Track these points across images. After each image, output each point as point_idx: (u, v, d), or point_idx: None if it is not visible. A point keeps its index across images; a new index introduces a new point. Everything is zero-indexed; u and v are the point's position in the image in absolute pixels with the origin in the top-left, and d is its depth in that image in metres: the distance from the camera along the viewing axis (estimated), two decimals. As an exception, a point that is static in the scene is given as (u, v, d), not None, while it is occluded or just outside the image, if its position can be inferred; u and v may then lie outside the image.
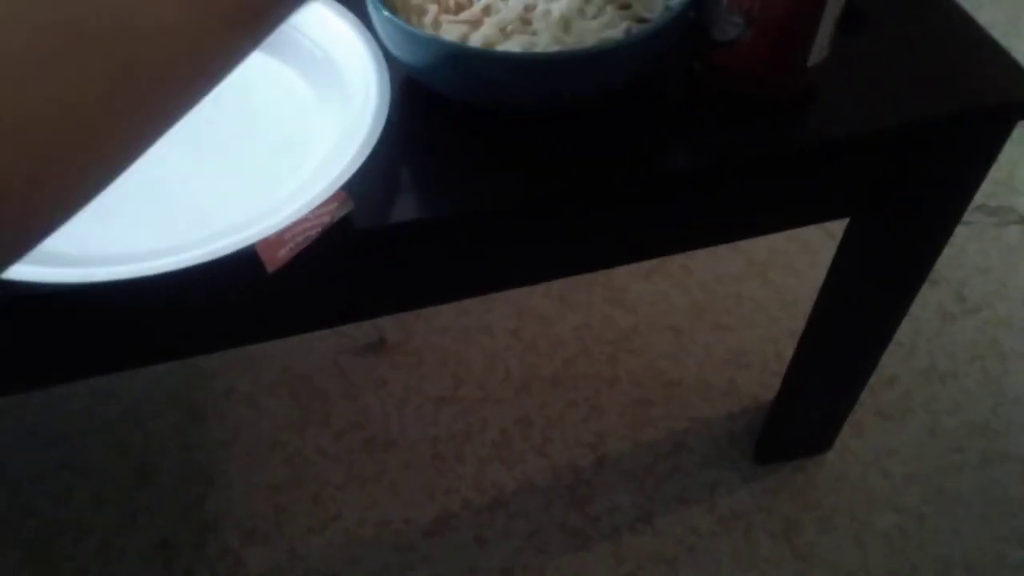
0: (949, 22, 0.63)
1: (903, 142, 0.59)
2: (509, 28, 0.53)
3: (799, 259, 1.21)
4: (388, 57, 0.56)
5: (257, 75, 0.59)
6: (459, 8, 0.54)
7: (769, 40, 0.54)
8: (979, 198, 1.28)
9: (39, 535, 0.96)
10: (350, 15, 0.58)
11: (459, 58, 0.51)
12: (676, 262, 1.21)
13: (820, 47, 0.56)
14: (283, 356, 1.10)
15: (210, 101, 0.60)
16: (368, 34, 0.57)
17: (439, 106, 0.57)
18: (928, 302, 1.17)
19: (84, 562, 0.94)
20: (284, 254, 0.50)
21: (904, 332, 1.15)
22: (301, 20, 0.59)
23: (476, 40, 0.52)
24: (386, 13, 0.52)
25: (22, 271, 0.46)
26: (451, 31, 0.53)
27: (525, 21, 0.53)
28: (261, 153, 0.55)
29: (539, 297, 1.17)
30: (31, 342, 0.53)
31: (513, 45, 0.52)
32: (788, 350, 0.92)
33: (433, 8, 0.55)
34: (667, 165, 0.56)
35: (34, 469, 1.01)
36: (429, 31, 0.53)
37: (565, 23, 0.52)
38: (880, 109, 0.58)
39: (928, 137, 0.59)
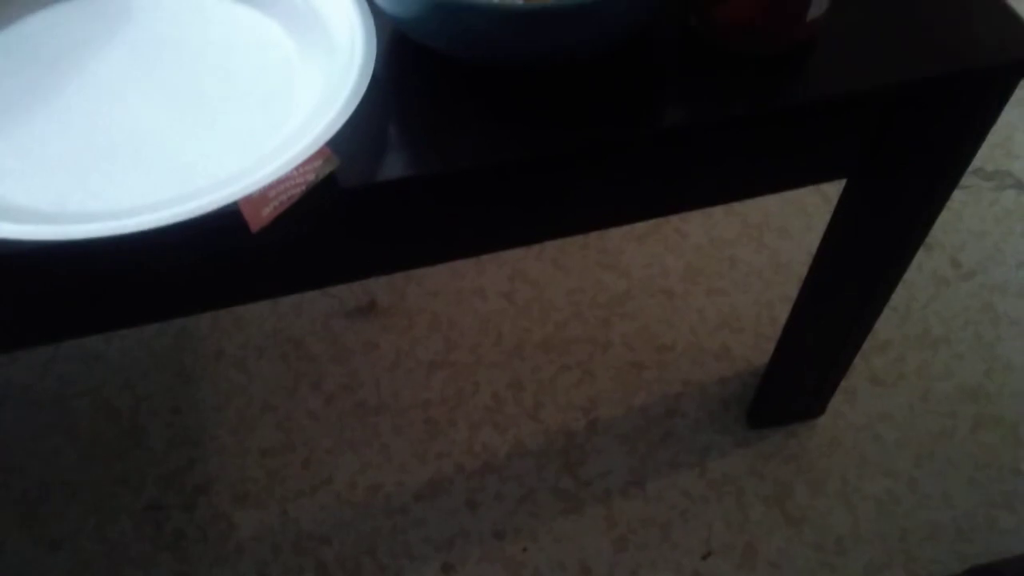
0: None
1: (902, 100, 0.58)
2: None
3: (794, 223, 1.20)
4: (375, 9, 0.54)
5: (239, 28, 0.57)
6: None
7: (767, -7, 0.52)
8: (976, 162, 1.27)
9: (29, 496, 0.95)
10: (336, -35, 0.56)
11: (447, 10, 0.50)
12: (670, 225, 1.20)
13: (819, 0, 0.54)
14: (273, 319, 1.10)
15: (191, 55, 0.59)
16: (354, -15, 0.55)
17: (428, 60, 0.56)
18: (923, 267, 1.16)
19: (74, 523, 0.94)
20: (268, 212, 0.49)
21: (898, 297, 1.15)
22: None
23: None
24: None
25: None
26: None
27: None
28: (243, 108, 0.54)
29: (532, 260, 1.16)
30: (6, 301, 0.52)
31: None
32: (782, 314, 0.92)
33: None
34: (661, 122, 0.55)
35: (23, 431, 1.00)
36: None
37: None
38: (879, 66, 0.57)
39: (928, 96, 0.58)
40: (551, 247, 1.17)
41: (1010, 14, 0.59)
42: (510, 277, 1.14)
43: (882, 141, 0.62)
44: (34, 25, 0.57)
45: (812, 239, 0.81)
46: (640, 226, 1.20)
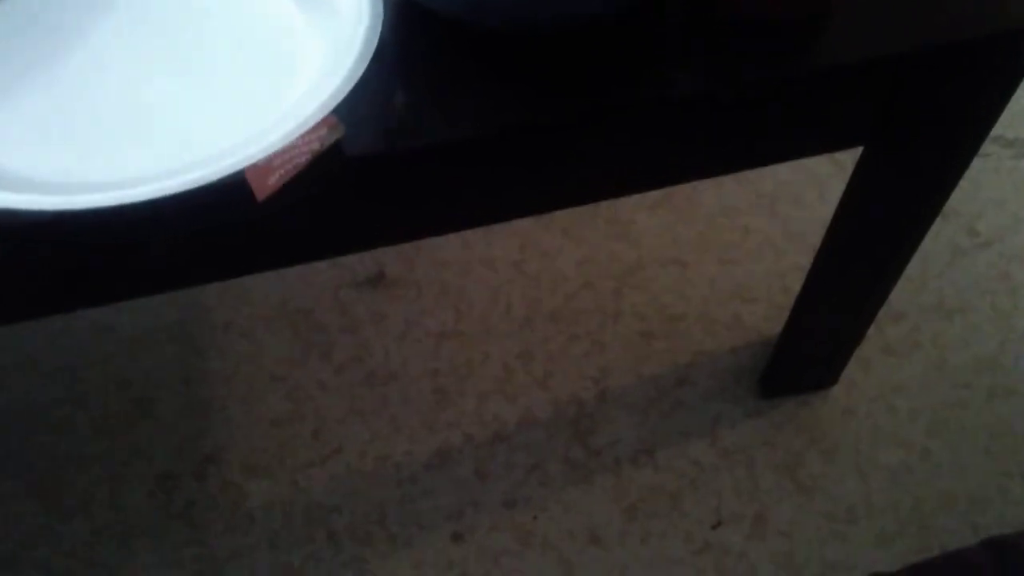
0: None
1: (918, 67, 0.56)
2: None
3: (807, 192, 1.18)
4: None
5: (242, -8, 0.56)
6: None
7: (784, -47, 0.50)
8: (996, 129, 1.24)
9: (41, 467, 0.96)
10: (340, -73, 0.55)
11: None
12: (682, 195, 1.18)
13: (838, -38, 0.52)
14: (282, 290, 1.09)
15: (194, 20, 0.58)
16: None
17: (434, 26, 0.55)
18: (939, 236, 1.15)
19: (87, 493, 0.94)
20: (274, 181, 0.48)
21: (913, 266, 1.13)
22: (289, -67, 0.56)
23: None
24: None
25: (1, 198, 0.45)
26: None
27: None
28: (247, 74, 0.53)
29: (542, 230, 1.15)
30: (13, 272, 0.51)
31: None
32: (795, 284, 0.91)
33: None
34: (671, 87, 0.54)
35: (35, 402, 1.00)
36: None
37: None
38: (895, 33, 0.55)
39: (944, 63, 0.56)
40: (561, 217, 1.16)
41: (1035, -26, 0.57)
42: (520, 247, 1.13)
43: (898, 109, 0.61)
44: (33, -9, 0.56)
45: (826, 209, 0.79)
46: (651, 196, 1.19)
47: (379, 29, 0.51)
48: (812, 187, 1.19)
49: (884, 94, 0.60)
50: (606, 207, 1.17)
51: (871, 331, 1.05)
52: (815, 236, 0.83)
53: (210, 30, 0.55)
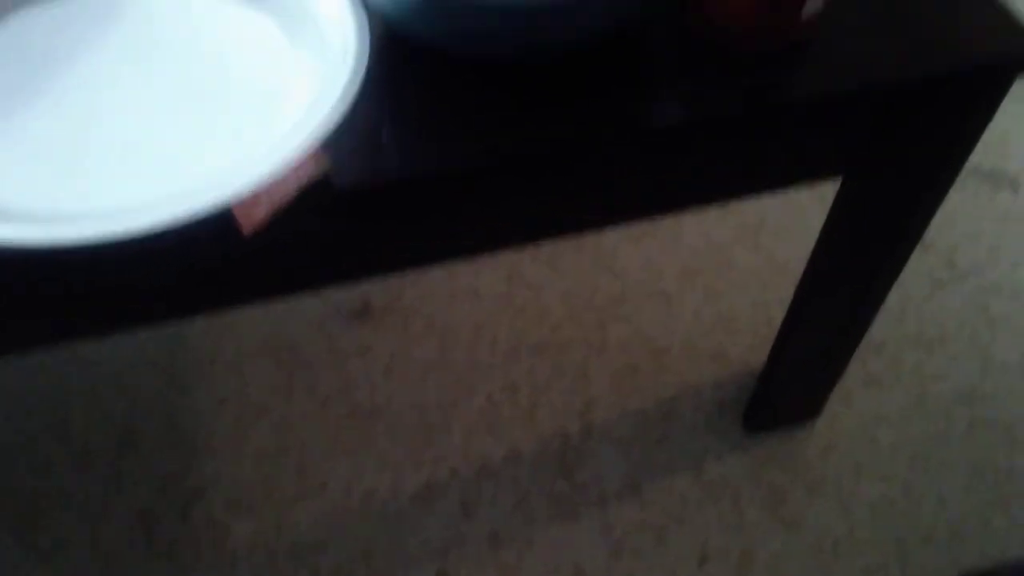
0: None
1: (897, 99, 0.58)
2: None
3: (791, 224, 1.20)
4: (366, 5, 0.54)
5: (230, 23, 0.57)
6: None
7: (762, -9, 0.52)
8: (972, 162, 1.28)
9: (21, 503, 0.95)
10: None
11: (437, 5, 0.49)
12: (666, 227, 1.19)
13: None
14: (268, 322, 1.09)
15: (183, 53, 0.58)
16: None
17: (419, 57, 0.55)
18: (918, 268, 1.16)
19: (66, 531, 0.93)
20: (260, 215, 0.49)
21: (893, 298, 1.14)
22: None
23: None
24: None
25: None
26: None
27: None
28: (236, 106, 0.53)
29: (528, 262, 1.15)
30: (-3, 304, 0.51)
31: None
32: (778, 316, 0.91)
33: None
34: (657, 120, 0.55)
35: (15, 437, 0.99)
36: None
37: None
38: (874, 64, 0.56)
39: (922, 94, 0.58)
40: (546, 249, 1.17)
41: (1004, 13, 0.59)
42: (506, 278, 1.14)
43: (877, 139, 0.62)
44: (25, 23, 0.57)
45: (809, 240, 0.80)
46: (635, 228, 1.20)
47: (366, 62, 0.52)
48: (795, 218, 1.21)
49: (863, 125, 0.61)
50: (591, 239, 1.18)
51: (852, 363, 1.06)
52: (798, 267, 0.84)
53: (199, 60, 0.55)
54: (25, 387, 1.03)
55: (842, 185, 0.71)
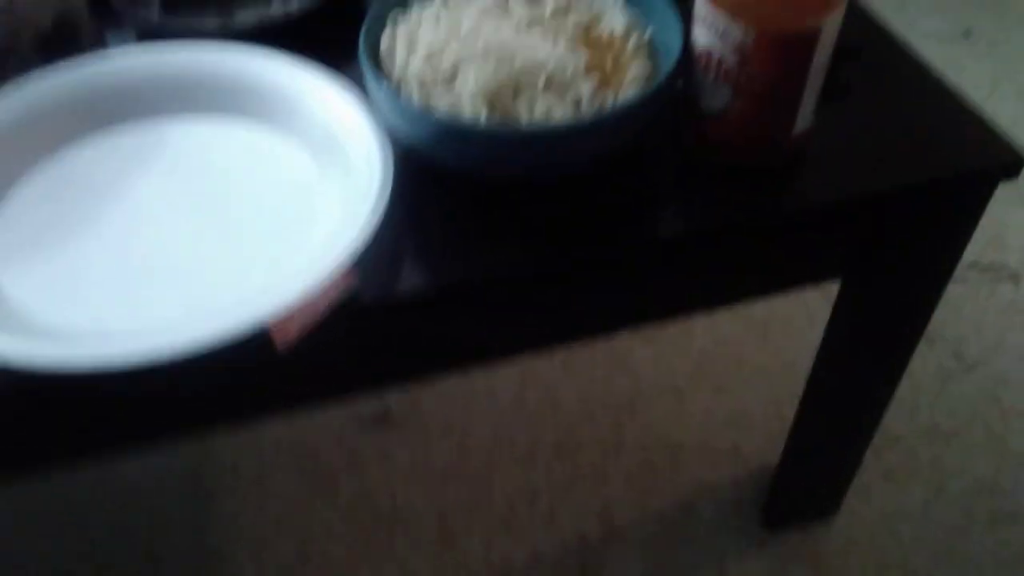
0: (926, 89, 0.66)
1: (888, 207, 0.61)
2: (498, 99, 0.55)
3: (798, 319, 1.22)
4: (389, 129, 0.58)
5: (263, 151, 0.61)
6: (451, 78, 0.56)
7: (756, 110, 0.56)
8: (971, 255, 1.31)
9: (42, 621, 0.95)
10: (351, 91, 0.60)
11: (450, 131, 0.54)
12: (676, 325, 1.22)
13: (805, 116, 0.58)
14: (289, 431, 1.11)
15: (220, 179, 0.63)
16: (369, 108, 0.59)
17: (440, 177, 0.59)
18: (927, 361, 1.18)
19: (88, 648, 0.92)
20: (294, 332, 0.52)
21: (905, 391, 1.15)
22: (305, 97, 0.61)
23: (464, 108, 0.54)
24: (382, 87, 0.54)
25: (28, 350, 0.47)
26: (442, 100, 0.55)
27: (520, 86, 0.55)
28: (269, 228, 0.57)
29: (542, 362, 1.18)
30: (34, 425, 0.54)
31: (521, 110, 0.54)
32: (790, 412, 0.93)
33: (426, 76, 0.57)
34: (661, 233, 0.58)
35: (36, 552, 1.00)
36: (425, 102, 0.56)
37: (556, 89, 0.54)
38: (864, 175, 0.60)
39: (911, 201, 0.61)
40: (560, 350, 1.19)
41: (983, 122, 0.63)
42: (521, 380, 1.16)
43: (872, 243, 0.65)
44: (76, 154, 0.61)
45: (816, 335, 0.83)
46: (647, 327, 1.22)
47: (390, 185, 0.56)
48: (801, 314, 1.23)
49: (857, 231, 0.64)
50: (603, 338, 1.20)
51: (869, 457, 1.06)
52: (807, 362, 0.86)
53: (235, 185, 0.59)
54: (45, 501, 1.04)
55: (842, 285, 0.74)
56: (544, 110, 0.53)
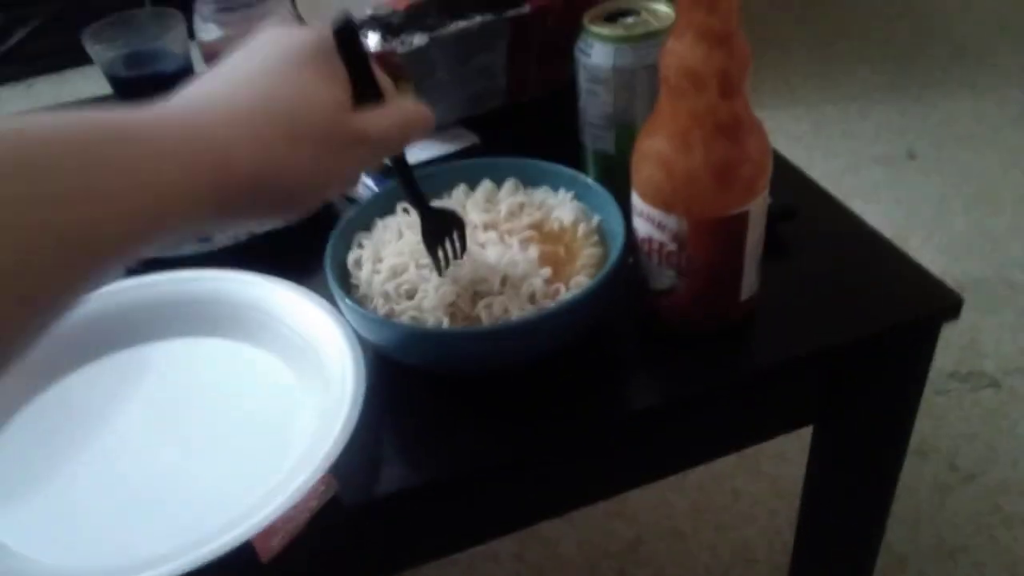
0: (863, 241, 0.70)
1: (841, 357, 0.64)
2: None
3: (787, 447, 1.23)
4: (359, 338, 0.61)
5: (243, 365, 0.64)
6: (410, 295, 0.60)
7: (701, 287, 0.59)
8: (949, 366, 1.33)
9: None
10: (324, 303, 0.64)
11: (414, 338, 0.57)
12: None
13: (749, 284, 0.62)
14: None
15: (202, 397, 0.65)
16: (341, 318, 0.62)
17: (410, 376, 0.62)
18: (923, 476, 1.18)
19: None
20: (276, 543, 0.53)
21: (905, 509, 1.15)
22: (280, 310, 0.65)
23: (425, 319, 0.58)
24: (349, 301, 0.58)
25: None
26: (406, 312, 0.59)
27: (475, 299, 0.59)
28: (250, 443, 0.59)
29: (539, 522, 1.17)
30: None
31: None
32: (792, 541, 0.93)
33: (389, 290, 0.61)
34: (628, 406, 0.61)
35: None
36: (390, 312, 0.59)
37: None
38: (814, 330, 0.63)
39: (862, 350, 0.64)
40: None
41: (921, 271, 0.66)
42: (520, 538, 1.15)
43: (833, 390, 0.68)
44: (64, 387, 0.64)
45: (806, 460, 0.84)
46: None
47: (364, 389, 0.58)
48: (793, 441, 1.23)
49: (817, 380, 0.67)
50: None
51: (878, 581, 1.05)
52: (800, 489, 0.87)
53: (217, 402, 0.62)
54: None
55: (814, 428, 0.76)
56: (501, 310, 0.57)
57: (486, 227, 0.62)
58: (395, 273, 0.60)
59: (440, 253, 0.59)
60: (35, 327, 0.34)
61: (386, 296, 0.59)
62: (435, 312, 0.57)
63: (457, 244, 0.60)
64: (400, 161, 0.57)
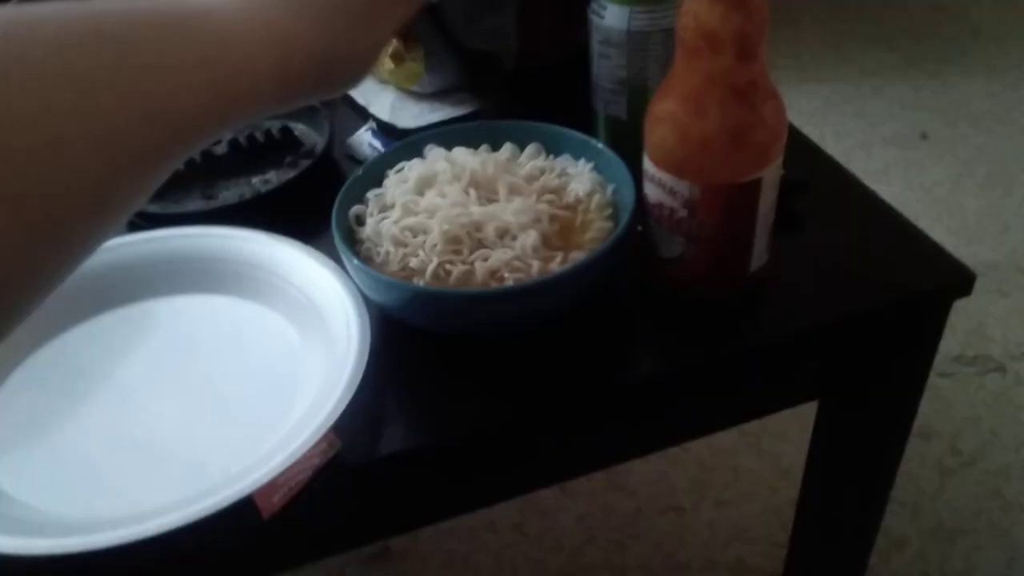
0: (876, 215, 0.69)
1: (850, 331, 0.63)
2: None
3: (789, 425, 1.23)
4: (365, 298, 0.61)
5: (247, 322, 0.64)
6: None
7: (710, 255, 0.59)
8: (956, 349, 1.32)
9: None
10: (329, 261, 0.63)
11: (422, 297, 0.57)
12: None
13: (759, 254, 0.61)
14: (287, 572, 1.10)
15: (206, 353, 0.65)
16: (346, 277, 0.62)
17: (414, 337, 0.62)
18: (925, 458, 1.18)
19: None
20: (278, 499, 0.53)
21: (906, 491, 1.15)
22: (285, 268, 0.64)
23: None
24: (356, 261, 0.58)
25: (25, 544, 0.49)
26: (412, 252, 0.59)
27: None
28: (253, 400, 0.59)
29: (540, 489, 1.18)
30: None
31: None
32: (791, 520, 0.93)
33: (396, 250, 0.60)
34: (631, 376, 0.60)
35: None
36: (397, 263, 0.59)
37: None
38: (824, 303, 0.62)
39: (873, 324, 0.64)
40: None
41: (935, 246, 0.66)
42: (519, 508, 1.16)
43: (841, 365, 0.67)
44: (67, 341, 0.64)
45: (809, 441, 0.84)
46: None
47: (368, 349, 0.58)
48: (794, 420, 1.23)
49: (825, 354, 0.66)
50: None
51: (876, 560, 1.05)
52: (802, 469, 0.87)
53: (220, 359, 0.62)
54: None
55: (820, 404, 0.75)
56: (498, 263, 0.57)
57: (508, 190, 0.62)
58: (407, 211, 0.60)
59: None
60: (122, 201, 0.35)
61: (395, 240, 0.59)
62: (439, 248, 0.57)
63: None
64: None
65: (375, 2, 0.45)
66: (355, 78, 0.47)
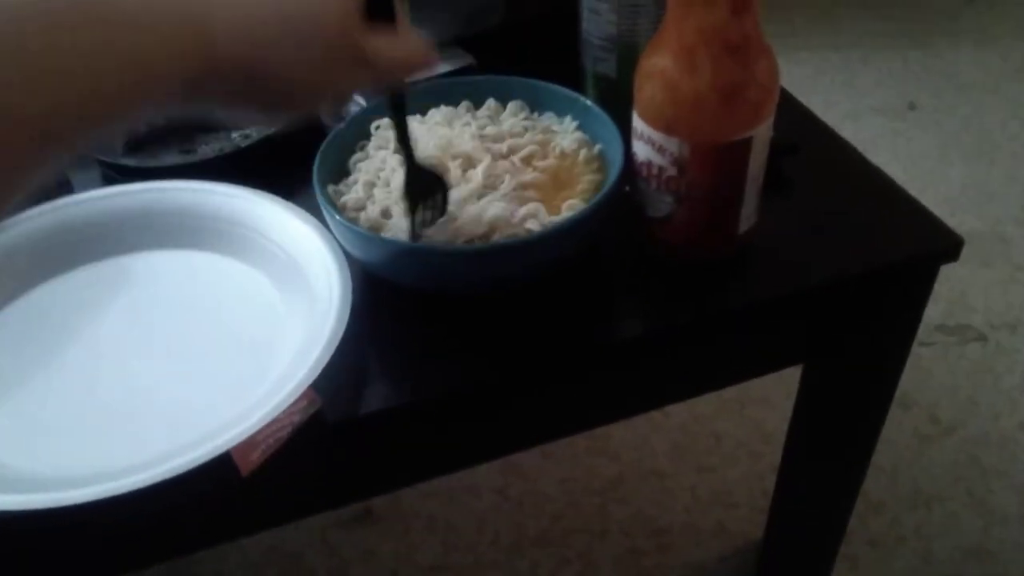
0: (866, 179, 0.69)
1: (838, 294, 0.63)
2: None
3: (772, 391, 1.23)
4: (346, 253, 0.60)
5: (226, 279, 0.63)
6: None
7: (699, 215, 0.58)
8: (937, 318, 1.33)
9: None
10: (311, 218, 0.62)
11: (406, 254, 0.56)
12: (653, 406, 1.23)
13: (748, 215, 0.60)
14: (269, 535, 1.10)
15: (184, 309, 0.64)
16: (328, 234, 0.61)
17: (397, 295, 0.61)
18: (904, 426, 1.19)
19: None
20: (257, 457, 0.52)
21: (885, 457, 1.16)
22: (265, 225, 0.63)
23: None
24: (339, 217, 0.56)
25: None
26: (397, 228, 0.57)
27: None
28: (232, 357, 0.58)
29: (522, 453, 1.17)
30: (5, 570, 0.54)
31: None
32: (772, 485, 0.93)
33: (378, 206, 0.59)
34: (620, 334, 0.60)
35: None
36: (379, 230, 0.58)
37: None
38: (812, 266, 0.62)
39: (860, 288, 0.63)
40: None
41: (923, 211, 0.65)
42: (501, 472, 1.16)
43: (827, 329, 0.67)
44: (42, 294, 0.62)
45: (791, 407, 0.84)
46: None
47: (349, 307, 0.57)
48: (777, 386, 1.24)
49: (808, 319, 0.66)
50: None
51: (854, 525, 1.06)
52: (784, 435, 0.87)
53: (199, 315, 0.60)
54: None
55: (804, 368, 0.75)
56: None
57: (493, 156, 0.60)
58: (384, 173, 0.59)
59: (419, 215, 0.57)
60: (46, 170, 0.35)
61: (375, 202, 0.58)
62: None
63: (438, 205, 0.58)
64: (399, 101, 0.55)
65: (331, 48, 0.43)
66: (289, 111, 0.46)
